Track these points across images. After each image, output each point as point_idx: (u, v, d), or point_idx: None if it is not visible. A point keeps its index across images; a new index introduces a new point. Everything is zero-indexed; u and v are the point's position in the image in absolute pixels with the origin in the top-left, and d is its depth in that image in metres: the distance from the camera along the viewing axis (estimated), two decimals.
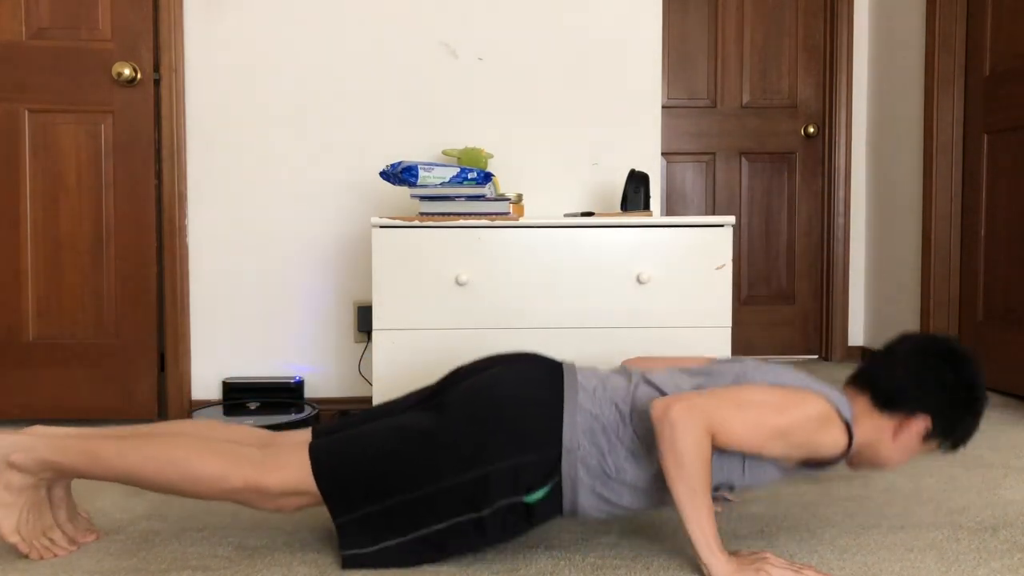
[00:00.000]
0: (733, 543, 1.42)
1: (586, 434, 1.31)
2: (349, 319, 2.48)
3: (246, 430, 1.44)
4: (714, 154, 3.61)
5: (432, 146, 2.45)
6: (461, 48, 2.44)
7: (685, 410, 1.23)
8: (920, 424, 1.34)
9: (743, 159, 3.62)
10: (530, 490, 1.29)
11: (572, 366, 1.42)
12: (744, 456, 1.31)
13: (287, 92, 2.43)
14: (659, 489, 1.33)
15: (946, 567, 1.32)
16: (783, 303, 3.67)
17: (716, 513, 1.56)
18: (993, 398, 2.75)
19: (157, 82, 2.39)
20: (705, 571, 1.23)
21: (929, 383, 1.34)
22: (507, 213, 1.96)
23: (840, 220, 3.57)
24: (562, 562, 1.34)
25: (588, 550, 1.39)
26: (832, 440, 1.29)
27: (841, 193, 3.56)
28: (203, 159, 2.43)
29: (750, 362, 1.43)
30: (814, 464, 1.34)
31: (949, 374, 1.34)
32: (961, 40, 2.98)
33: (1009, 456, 2.01)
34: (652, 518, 1.56)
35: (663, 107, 3.53)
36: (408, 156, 2.45)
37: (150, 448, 1.31)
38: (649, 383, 1.38)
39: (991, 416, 2.46)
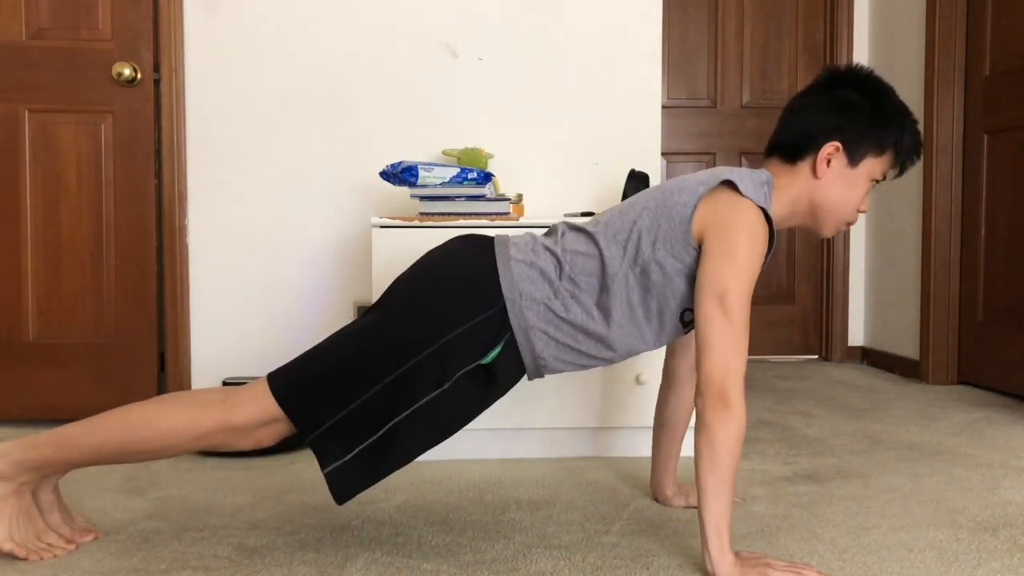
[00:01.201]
0: (734, 543, 1.42)
1: (525, 281, 1.32)
2: (349, 319, 2.48)
3: (207, 388, 1.46)
4: (714, 154, 3.61)
5: (432, 146, 2.45)
6: (461, 48, 2.44)
7: (715, 404, 1.23)
8: (828, 150, 1.36)
9: (743, 159, 3.62)
10: (485, 351, 1.29)
11: (504, 234, 1.43)
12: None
13: (287, 92, 2.43)
14: (613, 329, 1.34)
15: (946, 567, 1.32)
16: (783, 303, 3.67)
17: None
18: (993, 398, 2.75)
19: (157, 82, 2.39)
20: (710, 567, 1.23)
21: (816, 110, 1.37)
22: (507, 213, 1.96)
23: None
24: (562, 562, 1.34)
25: (588, 550, 1.39)
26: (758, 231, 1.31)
27: None
28: (203, 159, 2.43)
29: (665, 184, 1.42)
30: None
31: (835, 93, 1.37)
32: (961, 40, 2.98)
33: (1009, 456, 2.01)
34: (652, 519, 1.56)
35: (663, 107, 3.53)
36: (408, 156, 2.45)
37: (114, 417, 1.31)
38: (572, 227, 1.40)
39: (991, 416, 2.46)
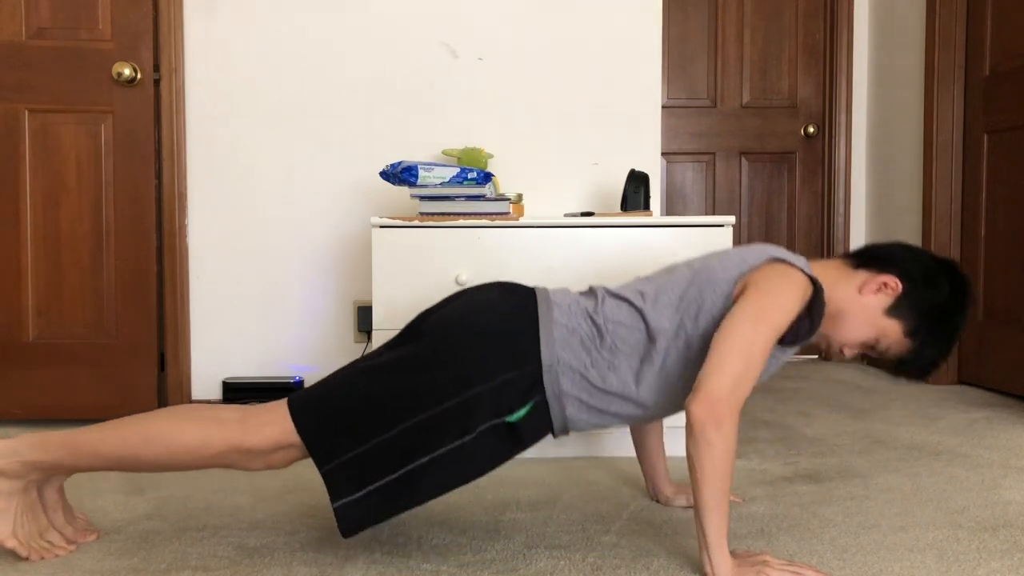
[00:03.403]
0: (733, 543, 1.42)
1: (564, 348, 1.31)
2: (349, 319, 2.48)
3: (224, 405, 1.44)
4: (714, 154, 3.61)
5: (432, 146, 2.45)
6: (461, 48, 2.44)
7: (728, 409, 1.20)
8: (887, 279, 1.36)
9: (743, 159, 3.62)
10: (512, 410, 1.28)
11: (544, 288, 1.42)
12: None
13: (287, 92, 2.43)
14: (648, 395, 1.33)
15: (946, 567, 1.32)
16: None
17: None
18: (993, 398, 2.75)
19: (157, 82, 2.39)
20: (708, 569, 1.23)
21: (911, 257, 1.38)
22: (507, 213, 1.96)
23: (840, 220, 3.57)
24: (562, 562, 1.34)
25: (588, 550, 1.39)
26: (799, 297, 1.29)
27: (841, 193, 3.56)
28: (203, 159, 2.43)
29: (708, 257, 1.42)
30: (787, 335, 1.33)
31: (934, 268, 1.37)
32: (961, 40, 2.98)
33: (1009, 456, 2.01)
34: (652, 519, 1.56)
35: (663, 107, 3.53)
36: (408, 156, 2.45)
37: (128, 428, 1.31)
38: (614, 295, 1.39)
39: (991, 416, 2.46)
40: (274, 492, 1.75)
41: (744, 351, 1.23)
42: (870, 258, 1.41)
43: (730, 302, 1.31)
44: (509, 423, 1.29)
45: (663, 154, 3.56)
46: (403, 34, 2.43)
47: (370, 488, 1.26)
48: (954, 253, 3.02)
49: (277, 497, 1.71)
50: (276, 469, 1.33)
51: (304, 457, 1.31)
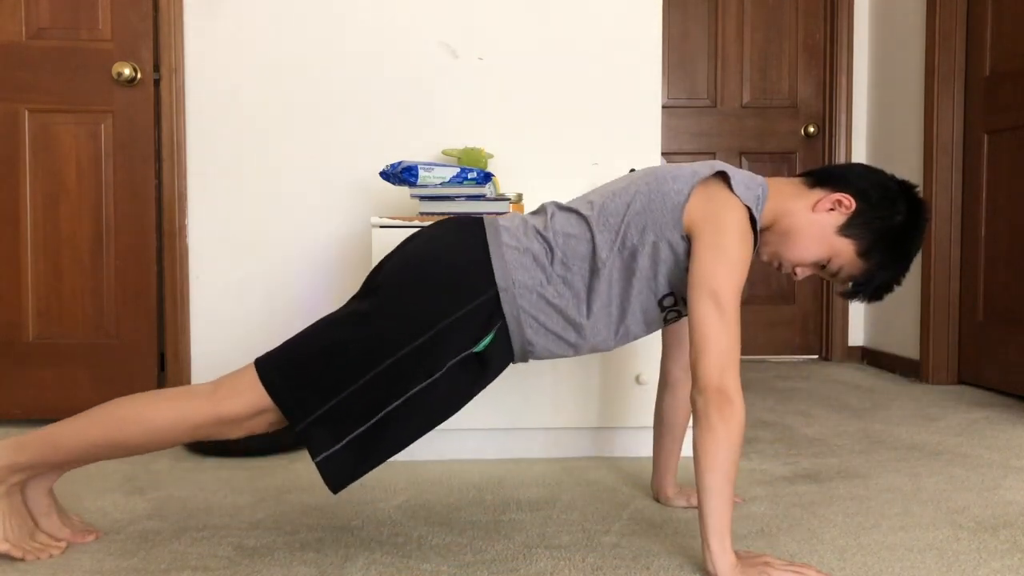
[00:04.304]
0: (734, 543, 1.41)
1: (518, 269, 1.32)
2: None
3: (197, 384, 1.44)
4: (714, 154, 3.61)
5: (432, 146, 2.45)
6: (461, 48, 2.44)
7: (719, 405, 1.22)
8: (840, 197, 1.35)
9: (743, 159, 3.62)
10: (477, 340, 1.29)
11: (493, 216, 1.42)
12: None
13: (287, 92, 2.43)
14: (591, 320, 1.34)
15: (946, 567, 1.32)
16: (783, 303, 3.67)
17: None
18: (993, 398, 2.75)
19: (157, 82, 2.39)
20: (710, 566, 1.23)
21: (865, 175, 1.37)
22: (507, 213, 1.96)
23: None
24: (562, 562, 1.34)
25: (588, 550, 1.39)
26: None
27: None
28: (203, 159, 2.43)
29: (662, 168, 1.41)
30: None
31: (892, 188, 1.36)
32: (961, 40, 2.98)
33: (1009, 456, 2.01)
34: (652, 519, 1.56)
35: (663, 107, 3.53)
36: (408, 156, 2.45)
37: (102, 415, 1.31)
38: (564, 208, 1.39)
39: (991, 416, 2.46)
40: (274, 492, 1.75)
41: (718, 326, 1.24)
42: (827, 177, 1.39)
43: (680, 215, 1.31)
44: (476, 353, 1.29)
45: (663, 154, 3.56)
46: (403, 34, 2.43)
47: (348, 439, 1.27)
48: (954, 253, 3.02)
49: (277, 497, 1.71)
50: (259, 433, 1.33)
51: (282, 421, 1.31)
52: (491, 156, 2.28)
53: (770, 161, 3.62)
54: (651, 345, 1.97)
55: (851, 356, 3.62)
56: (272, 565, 1.33)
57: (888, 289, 1.41)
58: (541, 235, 1.35)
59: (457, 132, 2.44)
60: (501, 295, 1.30)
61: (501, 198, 1.97)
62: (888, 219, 1.36)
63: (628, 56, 2.42)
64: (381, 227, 1.92)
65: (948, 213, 3.03)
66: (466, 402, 1.33)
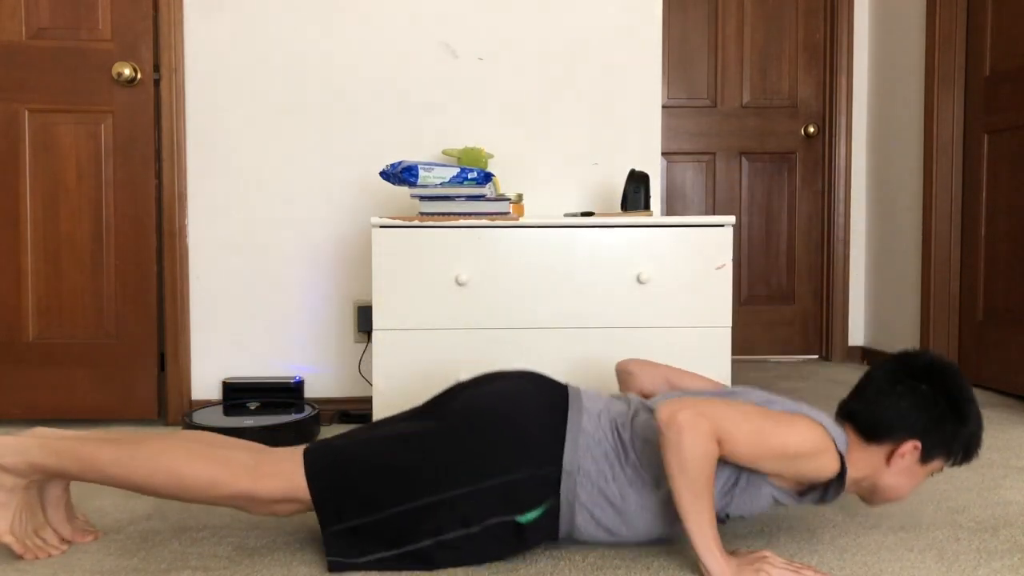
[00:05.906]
0: (733, 543, 1.42)
1: (587, 457, 1.31)
2: (349, 319, 2.48)
3: (240, 440, 1.42)
4: (714, 154, 3.61)
5: (432, 146, 2.45)
6: (461, 48, 2.44)
7: (692, 416, 1.22)
8: (908, 448, 1.32)
9: (743, 159, 3.62)
10: (523, 510, 1.28)
11: (577, 388, 1.42)
12: (739, 479, 1.31)
13: (287, 92, 2.43)
14: (661, 519, 1.33)
15: (946, 567, 1.32)
16: (783, 303, 3.67)
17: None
18: (993, 398, 2.75)
19: (157, 82, 2.39)
20: (704, 572, 1.23)
21: (906, 406, 1.33)
22: (507, 213, 1.96)
23: (840, 220, 3.57)
24: (562, 562, 1.34)
25: (588, 550, 1.39)
26: (825, 465, 1.27)
27: (841, 193, 3.56)
28: (203, 159, 2.43)
29: (751, 391, 1.42)
30: (810, 492, 1.34)
31: (926, 392, 1.32)
32: (961, 40, 2.98)
33: (1009, 456, 2.01)
34: None
35: (663, 107, 3.53)
36: (408, 156, 2.45)
37: (142, 455, 1.29)
38: (649, 410, 1.39)
39: (991, 416, 2.46)
40: None
41: (755, 418, 1.24)
42: (875, 428, 1.35)
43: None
44: (518, 523, 1.28)
45: (663, 154, 3.56)
46: (403, 34, 2.43)
47: (372, 558, 1.28)
48: (954, 253, 3.02)
49: None
50: (277, 516, 1.33)
51: (309, 510, 1.31)
52: (491, 156, 2.28)
53: (770, 161, 3.62)
54: (651, 345, 1.97)
55: (851, 356, 3.62)
56: (272, 565, 1.33)
57: (978, 444, 1.37)
58: (619, 433, 1.34)
59: (457, 132, 2.44)
60: (563, 477, 1.29)
61: (501, 198, 1.97)
62: (949, 430, 1.33)
63: (628, 56, 2.42)
64: (381, 227, 1.92)
65: (948, 213, 3.03)
66: (493, 561, 1.32)
